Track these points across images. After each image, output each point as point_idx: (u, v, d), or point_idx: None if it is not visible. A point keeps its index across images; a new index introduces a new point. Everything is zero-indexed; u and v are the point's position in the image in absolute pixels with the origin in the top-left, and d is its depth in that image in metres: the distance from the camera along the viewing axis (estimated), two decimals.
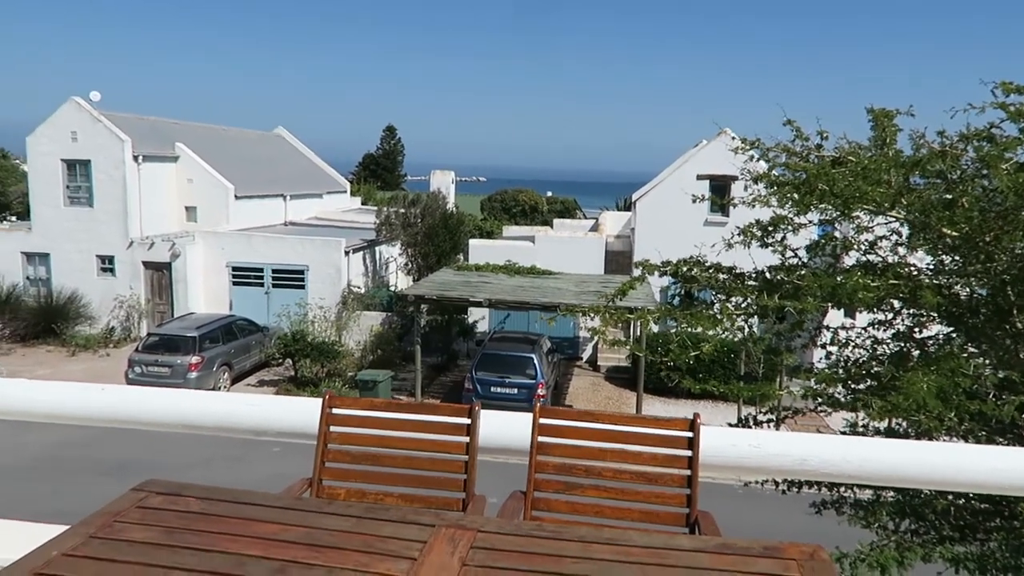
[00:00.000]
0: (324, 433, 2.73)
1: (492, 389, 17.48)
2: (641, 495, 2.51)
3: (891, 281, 4.68)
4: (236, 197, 26.88)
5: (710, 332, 4.98)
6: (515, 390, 17.27)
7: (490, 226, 41.64)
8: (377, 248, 28.11)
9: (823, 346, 5.74)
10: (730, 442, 2.70)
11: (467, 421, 2.63)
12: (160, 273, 24.98)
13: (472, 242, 26.94)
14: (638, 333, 18.41)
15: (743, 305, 5.06)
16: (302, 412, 2.98)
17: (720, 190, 21.97)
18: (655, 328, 19.28)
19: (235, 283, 25.22)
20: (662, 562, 1.98)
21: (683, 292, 6.45)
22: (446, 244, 26.34)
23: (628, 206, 32.98)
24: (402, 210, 26.72)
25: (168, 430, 3.16)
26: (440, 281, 20.57)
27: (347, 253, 25.03)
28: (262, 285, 25.08)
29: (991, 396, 4.44)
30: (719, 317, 4.92)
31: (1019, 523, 4.30)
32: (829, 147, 5.69)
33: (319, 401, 2.81)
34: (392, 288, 27.82)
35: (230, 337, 21.08)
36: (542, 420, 2.59)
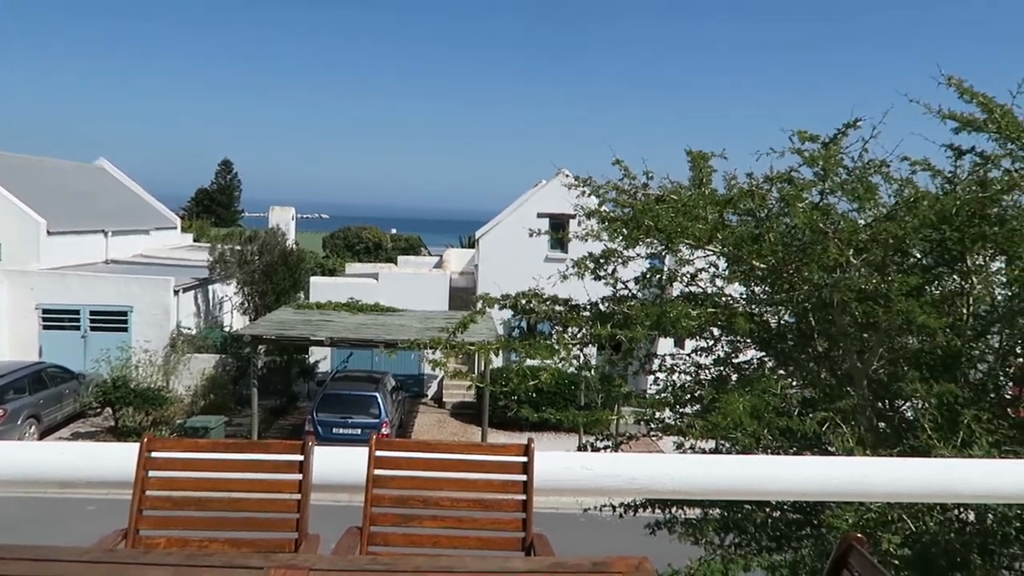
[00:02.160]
0: (141, 479, 2.54)
1: (334, 430, 16.96)
2: (478, 522, 2.53)
3: (710, 310, 5.05)
4: (48, 233, 24.64)
5: (547, 362, 5.14)
6: (358, 430, 16.85)
7: (333, 263, 40.75)
8: (211, 287, 26.68)
9: (653, 373, 6.06)
10: (564, 465, 2.78)
11: (300, 458, 2.54)
12: None
13: (313, 280, 26.22)
14: (482, 368, 18.58)
15: (578, 335, 5.27)
16: (118, 458, 2.75)
17: (559, 228, 22.80)
18: (498, 362, 19.55)
19: (46, 327, 22.99)
20: None
21: (525, 325, 6.61)
22: (285, 282, 25.45)
23: (472, 244, 33.47)
24: (238, 247, 25.57)
25: None
26: (279, 320, 19.81)
27: (177, 292, 23.56)
28: (78, 328, 23.02)
29: (796, 413, 4.87)
30: (556, 347, 5.09)
31: (825, 530, 4.70)
32: (654, 186, 6.09)
33: (136, 445, 2.61)
34: (227, 329, 26.42)
35: (38, 386, 19.12)
36: (378, 453, 2.55)
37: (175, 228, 36.21)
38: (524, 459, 2.55)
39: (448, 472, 2.55)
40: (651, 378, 6.81)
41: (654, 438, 6.53)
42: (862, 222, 5.08)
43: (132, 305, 22.92)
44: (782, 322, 5.66)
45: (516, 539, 2.50)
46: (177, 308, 23.65)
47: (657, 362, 6.00)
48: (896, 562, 4.51)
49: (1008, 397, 6.00)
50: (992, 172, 5.35)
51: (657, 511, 6.57)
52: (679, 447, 5.58)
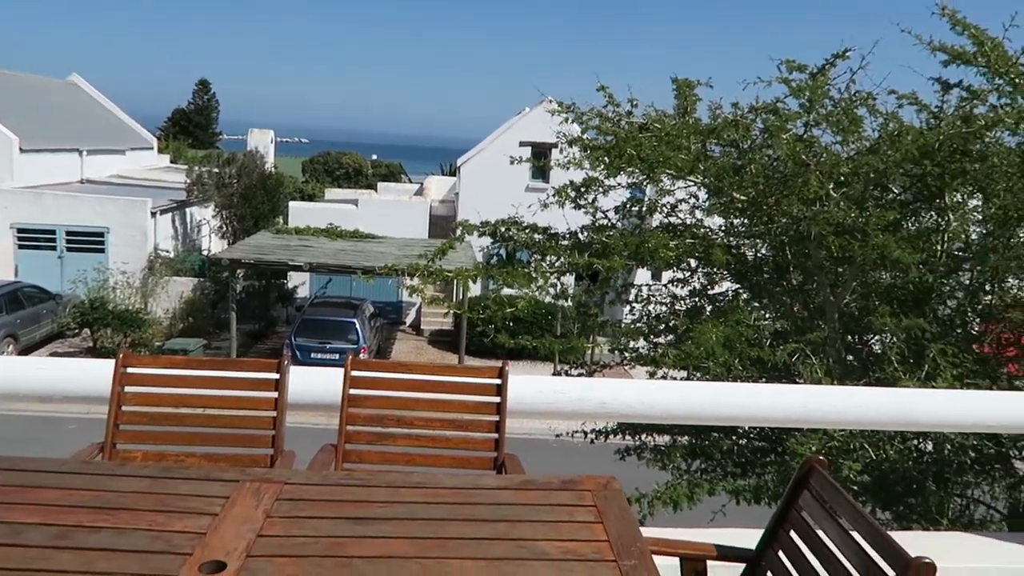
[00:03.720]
0: (118, 394, 2.55)
1: (312, 355, 17.05)
2: (452, 442, 2.58)
3: (688, 241, 5.08)
4: (21, 150, 24.01)
5: (525, 290, 5.16)
6: (336, 355, 16.95)
7: (312, 189, 40.19)
8: (188, 210, 26.29)
9: (629, 303, 6.11)
10: (537, 389, 2.83)
11: (275, 376, 2.56)
12: None
13: (292, 204, 25.92)
14: (460, 296, 18.66)
15: (556, 263, 5.28)
16: (95, 374, 2.76)
17: (541, 156, 22.57)
18: (476, 290, 19.62)
19: (21, 246, 22.63)
20: (468, 501, 2.05)
21: (504, 252, 6.61)
22: (264, 206, 25.14)
23: (453, 172, 33.13)
24: (216, 169, 25.11)
25: None
26: (257, 245, 19.64)
27: (154, 214, 23.20)
28: (54, 249, 22.69)
29: (768, 344, 4.96)
30: (534, 275, 5.11)
31: (788, 457, 4.85)
32: (638, 114, 6.01)
33: (112, 361, 2.61)
34: (205, 252, 26.18)
35: (15, 306, 18.95)
36: (354, 372, 2.57)
37: (151, 149, 35.39)
38: (498, 382, 2.59)
39: (423, 393, 2.59)
40: (627, 308, 6.88)
41: (627, 367, 6.64)
42: (845, 155, 5.07)
43: (109, 226, 22.57)
44: (759, 255, 5.70)
45: (488, 458, 2.56)
46: (155, 230, 23.33)
47: (633, 292, 6.04)
48: (855, 488, 4.68)
49: (974, 333, 6.14)
50: (978, 108, 5.33)
51: (627, 438, 6.73)
52: (651, 376, 5.68)
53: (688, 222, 5.78)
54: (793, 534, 1.85)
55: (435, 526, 1.91)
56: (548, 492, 2.08)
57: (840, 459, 4.57)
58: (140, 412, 2.58)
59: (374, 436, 2.55)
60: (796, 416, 3.28)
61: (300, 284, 24.07)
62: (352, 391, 2.55)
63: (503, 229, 5.83)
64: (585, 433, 6.95)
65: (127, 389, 2.57)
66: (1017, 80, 4.74)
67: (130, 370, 2.58)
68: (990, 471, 5.47)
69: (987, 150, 4.99)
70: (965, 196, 5.67)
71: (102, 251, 22.57)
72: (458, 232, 6.09)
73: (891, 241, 4.45)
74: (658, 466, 5.85)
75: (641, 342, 6.27)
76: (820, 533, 1.76)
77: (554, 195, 5.53)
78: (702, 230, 5.57)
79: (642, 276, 8.61)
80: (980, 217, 5.94)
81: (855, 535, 1.63)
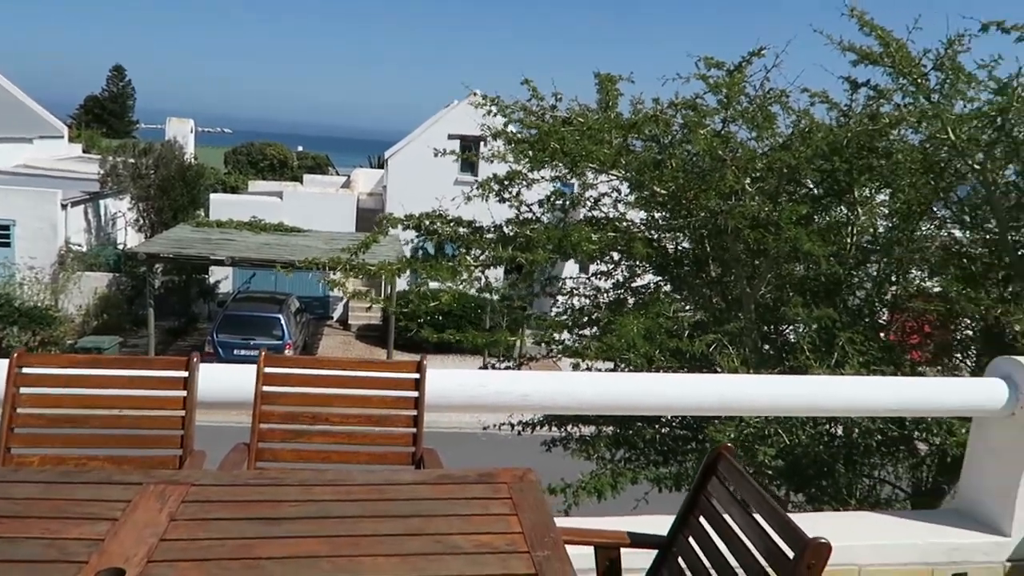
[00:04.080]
0: (12, 395, 2.42)
1: (235, 352, 16.60)
2: (369, 438, 2.54)
3: (610, 234, 5.14)
4: None
5: (449, 284, 5.13)
6: (260, 352, 16.52)
7: (234, 180, 39.09)
8: (102, 202, 25.16)
9: (553, 296, 6.15)
10: (458, 382, 2.81)
11: (184, 374, 2.47)
12: None
13: (213, 197, 25.15)
14: (387, 290, 18.47)
15: (481, 257, 5.27)
16: None
17: (469, 150, 22.51)
18: (405, 284, 19.45)
19: None
20: (383, 497, 2.03)
21: (432, 246, 6.56)
22: (183, 199, 24.29)
23: (382, 164, 32.73)
24: (132, 160, 24.11)
25: None
26: (177, 238, 18.98)
27: (65, 206, 22.11)
28: None
29: (687, 335, 5.08)
30: (458, 269, 5.09)
31: (708, 444, 4.97)
32: (563, 108, 6.05)
33: (5, 361, 2.47)
34: (120, 246, 25.15)
35: None
36: (267, 369, 2.51)
37: (62, 137, 33.75)
38: (416, 376, 2.57)
39: (339, 388, 2.55)
40: (552, 301, 6.93)
41: (555, 360, 6.70)
42: (760, 151, 5.21)
43: (14, 219, 21.40)
44: (679, 248, 5.82)
45: (406, 453, 2.53)
46: (65, 223, 22.26)
47: (559, 285, 6.09)
48: (770, 472, 4.84)
49: (881, 322, 6.43)
50: (885, 107, 5.56)
51: (554, 429, 6.80)
52: (575, 368, 5.74)
53: (612, 216, 5.85)
54: (702, 519, 1.90)
55: (348, 524, 1.88)
56: (464, 486, 2.08)
57: (756, 445, 4.71)
58: (37, 415, 2.45)
59: (288, 434, 2.49)
60: (713, 404, 3.37)
61: (222, 279, 23.39)
62: (265, 388, 2.48)
63: (427, 222, 5.78)
64: (512, 425, 6.99)
65: (22, 390, 2.44)
66: (919, 80, 4.96)
67: (26, 370, 2.45)
68: (895, 452, 5.75)
69: (891, 147, 5.21)
70: (873, 191, 5.92)
71: (7, 245, 21.41)
72: (383, 225, 6.02)
73: (802, 234, 4.61)
74: (583, 456, 5.92)
75: (567, 334, 6.33)
76: (727, 518, 1.81)
77: (477, 188, 5.51)
78: (625, 223, 5.65)
79: (572, 269, 8.69)
80: (887, 211, 6.21)
81: (759, 518, 1.68)
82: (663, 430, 6.11)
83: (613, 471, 5.67)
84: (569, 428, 6.59)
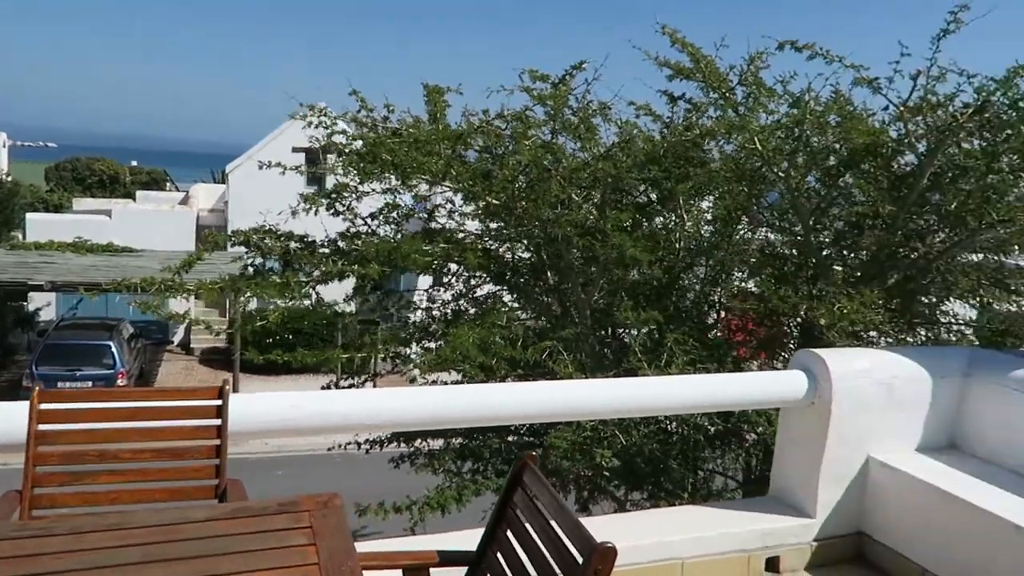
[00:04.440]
0: None
1: (60, 384, 15.22)
2: (167, 473, 2.35)
3: (442, 246, 5.11)
4: None
5: (278, 301, 4.92)
6: (89, 383, 15.26)
7: (58, 199, 36.06)
8: None
9: (392, 310, 6.05)
10: (266, 408, 2.66)
11: None
12: None
13: (31, 216, 23.04)
14: (235, 311, 17.61)
15: (313, 273, 5.10)
16: None
17: (316, 162, 21.88)
18: (251, 303, 18.59)
19: None
20: (171, 538, 1.87)
21: (267, 262, 6.26)
22: None
23: (224, 179, 31.22)
24: None
25: None
26: None
27: None
28: None
29: (521, 343, 5.13)
30: (288, 285, 4.88)
31: (549, 450, 5.03)
32: (395, 119, 5.97)
33: None
34: None
35: None
36: (42, 406, 2.26)
37: None
38: (218, 403, 2.40)
39: (131, 422, 2.33)
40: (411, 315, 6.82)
41: (401, 374, 6.57)
42: (584, 161, 5.37)
43: None
44: (516, 257, 5.89)
45: (208, 487, 2.36)
46: None
47: (397, 298, 6.00)
48: (607, 473, 4.98)
49: (709, 323, 6.80)
50: (703, 119, 5.89)
51: (403, 444, 6.67)
52: (411, 382, 5.66)
53: (449, 227, 5.83)
54: (509, 533, 1.88)
55: (130, 572, 1.71)
56: (263, 518, 1.95)
57: (594, 448, 4.82)
58: None
59: (70, 476, 2.26)
60: (544, 412, 3.39)
61: (44, 306, 21.42)
62: (41, 427, 2.23)
63: (256, 238, 5.52)
64: (359, 444, 6.80)
65: None
66: (727, 94, 5.29)
67: None
68: (726, 445, 6.07)
69: (706, 157, 5.52)
70: (697, 199, 6.25)
71: None
72: (207, 243, 5.69)
73: (627, 240, 4.78)
74: (430, 471, 5.85)
75: (414, 347, 6.24)
76: (530, 528, 1.79)
77: (302, 201, 5.33)
78: (461, 234, 5.65)
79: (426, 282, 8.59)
80: (710, 217, 6.58)
81: (557, 527, 1.67)
82: (510, 438, 6.14)
83: (459, 485, 5.64)
84: (417, 443, 6.49)
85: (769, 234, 6.57)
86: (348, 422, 2.91)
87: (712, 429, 5.60)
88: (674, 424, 5.62)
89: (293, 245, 5.45)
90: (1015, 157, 5.42)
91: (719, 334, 6.81)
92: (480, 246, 5.44)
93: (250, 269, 5.68)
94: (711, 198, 6.46)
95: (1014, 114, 5.20)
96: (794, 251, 6.30)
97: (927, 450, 3.60)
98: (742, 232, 6.56)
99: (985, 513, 2.93)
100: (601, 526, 3.13)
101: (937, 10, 5.07)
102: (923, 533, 3.26)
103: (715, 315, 6.88)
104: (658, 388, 3.37)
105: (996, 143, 5.36)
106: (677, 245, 6.16)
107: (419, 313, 6.08)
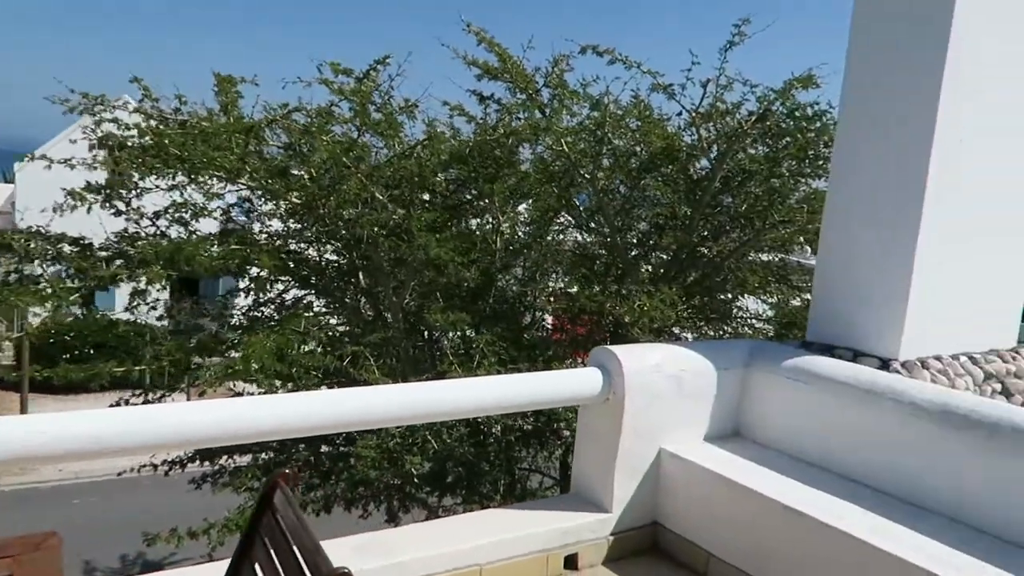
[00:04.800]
0: None
1: None
2: None
3: (233, 247, 4.76)
4: None
5: (37, 309, 4.37)
6: None
7: None
8: None
9: (200, 316, 5.60)
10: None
11: None
12: None
13: None
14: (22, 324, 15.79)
15: (83, 278, 4.58)
16: None
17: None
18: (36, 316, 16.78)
19: None
20: None
21: (73, 267, 5.57)
22: None
23: (9, 179, 28.05)
24: None
25: None
26: None
27: None
28: None
29: (322, 350, 4.89)
30: (51, 292, 4.35)
31: (358, 463, 4.81)
32: (188, 111, 5.52)
33: None
34: None
35: None
36: None
37: None
38: None
39: None
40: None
41: (211, 388, 6.11)
42: (386, 159, 5.21)
43: None
44: (325, 259, 5.63)
45: None
46: None
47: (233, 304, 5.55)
48: (417, 480, 4.84)
49: (525, 323, 6.85)
50: (515, 120, 5.90)
51: (206, 463, 6.20)
52: (201, 395, 5.26)
53: (248, 226, 5.47)
54: (256, 561, 1.69)
55: None
56: None
57: (404, 455, 4.67)
58: None
59: None
60: (327, 421, 3.17)
61: None
62: None
63: (22, 241, 4.89)
64: (155, 466, 6.26)
65: None
66: (533, 95, 5.33)
67: None
68: (543, 442, 6.13)
69: (513, 158, 5.54)
70: (514, 200, 6.28)
71: None
72: None
73: (432, 240, 4.67)
74: (230, 490, 5.45)
75: (216, 358, 5.79)
76: (274, 555, 1.61)
77: (67, 197, 4.78)
78: (256, 235, 5.31)
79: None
80: (527, 218, 6.64)
81: (297, 551, 1.51)
82: (320, 451, 5.86)
83: None
84: (222, 461, 6.05)
85: (579, 235, 6.74)
86: (102, 444, 2.57)
87: (525, 428, 5.63)
88: (488, 426, 5.59)
89: (67, 248, 4.88)
90: (793, 162, 5.89)
91: (537, 334, 6.89)
92: (278, 247, 5.13)
93: (12, 276, 5.03)
94: (529, 201, 6.53)
95: (791, 122, 5.64)
96: (603, 251, 6.50)
97: (714, 439, 3.73)
98: (555, 233, 6.68)
99: (759, 496, 3.05)
100: (398, 538, 2.99)
101: (726, 23, 5.40)
102: (708, 519, 3.36)
103: (531, 315, 6.96)
104: (447, 392, 3.27)
105: (777, 149, 5.80)
106: (494, 247, 6.15)
107: (209, 321, 5.65)
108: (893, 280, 3.30)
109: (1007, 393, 3.35)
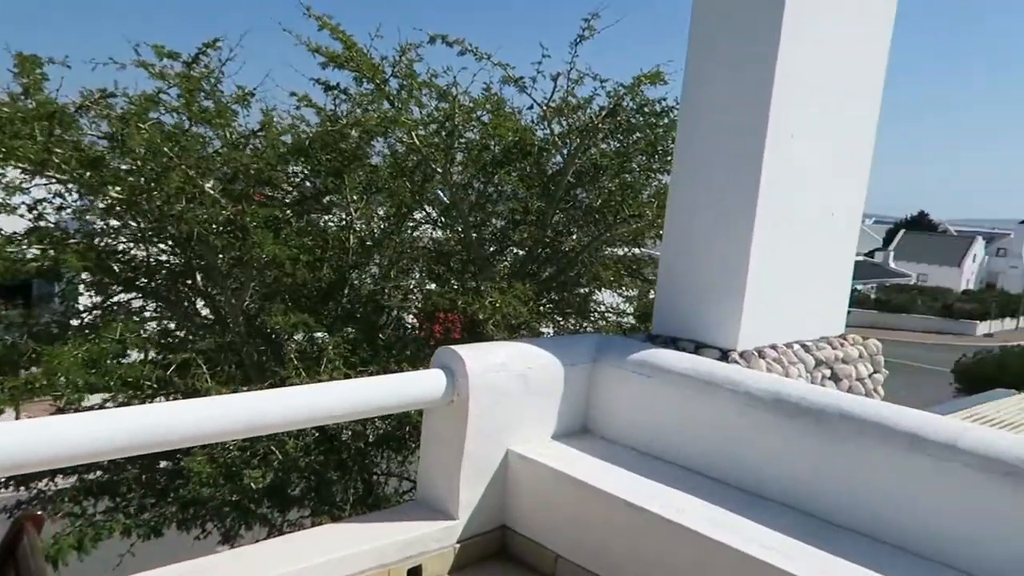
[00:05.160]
0: None
1: None
2: None
3: (36, 248, 4.26)
4: None
5: None
6: None
7: None
8: None
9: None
10: None
11: None
12: None
13: None
14: None
15: None
16: None
17: None
18: None
19: None
20: None
21: None
22: None
23: None
24: None
25: None
26: None
27: None
28: None
29: (141, 359, 4.47)
30: None
31: (190, 480, 4.41)
32: None
33: None
34: None
35: None
36: None
37: None
38: None
39: None
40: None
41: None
42: (216, 150, 4.83)
43: None
44: (152, 258, 5.15)
45: None
46: None
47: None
48: (257, 495, 4.51)
49: (381, 322, 6.60)
50: (365, 111, 5.63)
51: (21, 489, 5.54)
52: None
53: (64, 224, 4.91)
54: None
55: None
56: None
57: (243, 470, 4.33)
58: None
59: None
60: (179, 435, 2.86)
61: None
62: None
63: None
64: None
65: None
66: (381, 85, 5.10)
67: None
68: (399, 447, 5.89)
69: (360, 151, 5.28)
70: (368, 196, 6.00)
71: None
72: None
73: (268, 237, 4.36)
74: (49, 516, 4.87)
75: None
76: None
77: None
78: (78, 233, 4.78)
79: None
80: (382, 214, 6.38)
81: None
82: (162, 464, 5.35)
83: (92, 525, 4.76)
84: (39, 484, 5.42)
85: (434, 232, 6.56)
86: None
87: (380, 432, 5.39)
88: (337, 432, 5.31)
89: None
90: (644, 158, 5.97)
91: (395, 334, 6.64)
92: (96, 246, 4.63)
93: None
94: (381, 196, 6.27)
95: (641, 118, 5.71)
96: (459, 248, 6.35)
97: (563, 437, 3.65)
98: (410, 230, 6.46)
99: (603, 493, 2.99)
100: (224, 563, 2.71)
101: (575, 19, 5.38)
102: (556, 520, 3.28)
103: (387, 315, 6.71)
104: (271, 402, 3.01)
105: (628, 145, 5.86)
106: (347, 244, 5.86)
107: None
108: (731, 272, 3.34)
109: (836, 378, 3.46)
